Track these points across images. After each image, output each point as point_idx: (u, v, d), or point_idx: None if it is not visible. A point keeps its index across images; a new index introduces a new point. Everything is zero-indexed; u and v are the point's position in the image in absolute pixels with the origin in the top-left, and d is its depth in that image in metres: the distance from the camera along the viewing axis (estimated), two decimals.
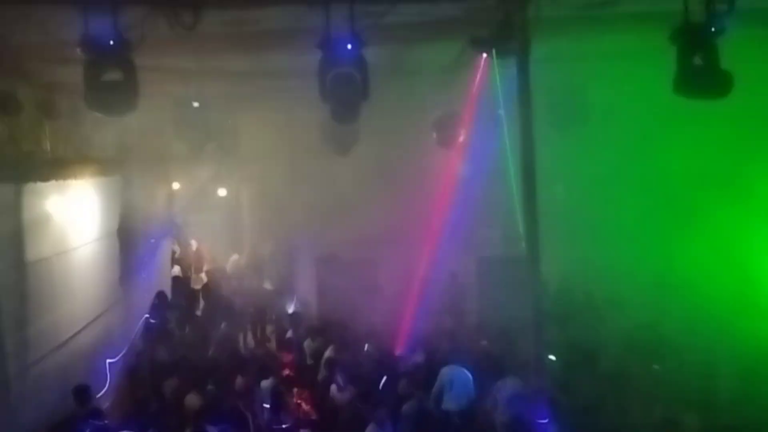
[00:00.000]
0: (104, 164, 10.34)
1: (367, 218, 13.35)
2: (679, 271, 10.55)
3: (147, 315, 12.28)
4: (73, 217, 9.45)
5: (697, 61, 6.51)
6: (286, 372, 9.57)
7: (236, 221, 16.76)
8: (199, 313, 14.12)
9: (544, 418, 7.06)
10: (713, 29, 6.39)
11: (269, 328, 13.55)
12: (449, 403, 8.37)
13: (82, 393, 8.29)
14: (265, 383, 8.77)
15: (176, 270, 15.36)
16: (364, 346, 10.10)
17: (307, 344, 10.41)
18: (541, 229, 7.17)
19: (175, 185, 15.28)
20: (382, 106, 7.00)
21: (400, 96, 9.90)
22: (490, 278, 13.27)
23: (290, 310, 13.06)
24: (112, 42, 5.75)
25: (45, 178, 8.59)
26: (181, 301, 13.92)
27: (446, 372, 8.50)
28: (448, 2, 6.47)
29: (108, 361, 9.99)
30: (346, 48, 6.22)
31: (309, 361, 10.21)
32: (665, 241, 11.04)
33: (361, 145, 8.40)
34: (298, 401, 8.57)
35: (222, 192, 16.40)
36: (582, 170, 12.33)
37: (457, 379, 8.44)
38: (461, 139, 10.75)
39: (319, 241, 14.72)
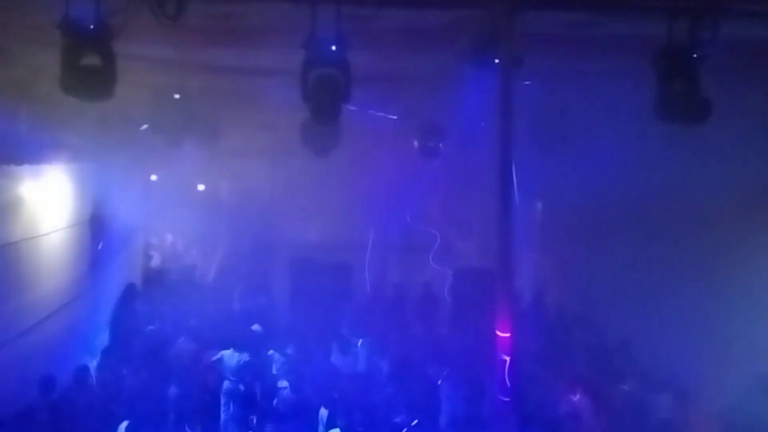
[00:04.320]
0: (80, 151, 10.20)
1: (344, 222, 13.33)
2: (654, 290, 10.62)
3: (116, 307, 12.13)
4: (45, 202, 9.30)
5: (678, 86, 6.58)
6: None
7: (214, 217, 16.63)
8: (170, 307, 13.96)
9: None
10: (695, 55, 6.46)
11: None
12: None
13: (47, 384, 8.15)
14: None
15: (151, 262, 15.22)
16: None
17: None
18: (516, 243, 7.18)
19: (153, 177, 15.14)
20: (364, 110, 6.99)
21: (383, 102, 9.92)
22: (464, 289, 13.29)
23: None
24: (92, 26, 5.68)
25: (18, 162, 8.46)
26: (152, 295, 13.75)
27: None
28: (435, 11, 6.47)
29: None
30: (331, 49, 6.22)
31: None
32: (642, 260, 11.10)
33: (342, 149, 8.37)
34: None
35: (201, 187, 16.29)
36: (561, 187, 12.39)
37: None
38: (442, 148, 10.77)
39: (296, 242, 14.66)
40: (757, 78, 7.90)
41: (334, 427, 7.85)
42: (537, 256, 12.89)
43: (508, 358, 7.26)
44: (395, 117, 11.25)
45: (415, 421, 7.89)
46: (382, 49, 7.50)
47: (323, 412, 8.28)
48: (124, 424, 7.68)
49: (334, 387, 8.94)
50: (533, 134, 9.84)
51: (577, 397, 8.50)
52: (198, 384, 9.02)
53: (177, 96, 9.38)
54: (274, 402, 8.65)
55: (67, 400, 8.27)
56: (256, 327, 10.60)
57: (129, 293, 12.71)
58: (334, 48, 6.21)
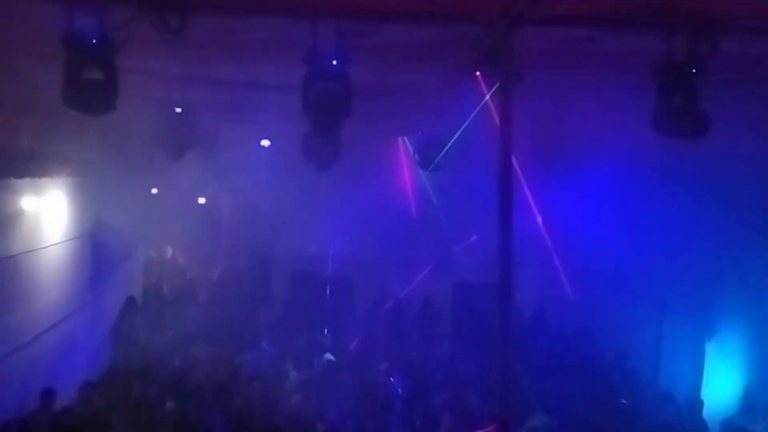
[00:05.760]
0: (82, 164, 10.22)
1: (344, 236, 13.35)
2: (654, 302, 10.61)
3: (116, 321, 12.10)
4: (46, 215, 9.30)
5: (676, 100, 6.61)
6: None
7: (214, 230, 16.64)
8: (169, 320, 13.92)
9: None
10: (694, 70, 6.50)
11: None
12: None
13: (48, 396, 8.12)
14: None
15: (151, 275, 15.20)
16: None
17: None
18: (517, 258, 7.16)
19: (154, 190, 15.15)
20: (365, 124, 7.02)
21: (384, 116, 9.95)
22: (464, 303, 13.28)
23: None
24: (95, 41, 5.72)
25: (19, 175, 8.47)
26: (152, 309, 13.73)
27: None
28: (436, 26, 6.50)
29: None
30: (332, 63, 6.26)
31: None
32: (641, 273, 11.11)
33: (343, 163, 8.41)
34: None
35: (201, 200, 16.31)
36: (562, 201, 12.43)
37: None
38: (442, 162, 10.81)
39: (296, 255, 14.67)
40: (755, 93, 7.94)
41: None
42: (537, 270, 12.88)
43: (508, 373, 7.24)
44: (395, 131, 11.31)
45: None
46: (383, 63, 7.54)
47: (319, 429, 8.24)
48: None
49: (331, 402, 8.90)
50: (533, 149, 9.88)
51: (575, 412, 8.46)
52: (195, 398, 8.96)
53: (178, 110, 9.42)
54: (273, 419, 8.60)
55: (68, 413, 8.23)
56: (264, 345, 10.60)
57: (129, 307, 12.68)
58: (334, 62, 6.25)
